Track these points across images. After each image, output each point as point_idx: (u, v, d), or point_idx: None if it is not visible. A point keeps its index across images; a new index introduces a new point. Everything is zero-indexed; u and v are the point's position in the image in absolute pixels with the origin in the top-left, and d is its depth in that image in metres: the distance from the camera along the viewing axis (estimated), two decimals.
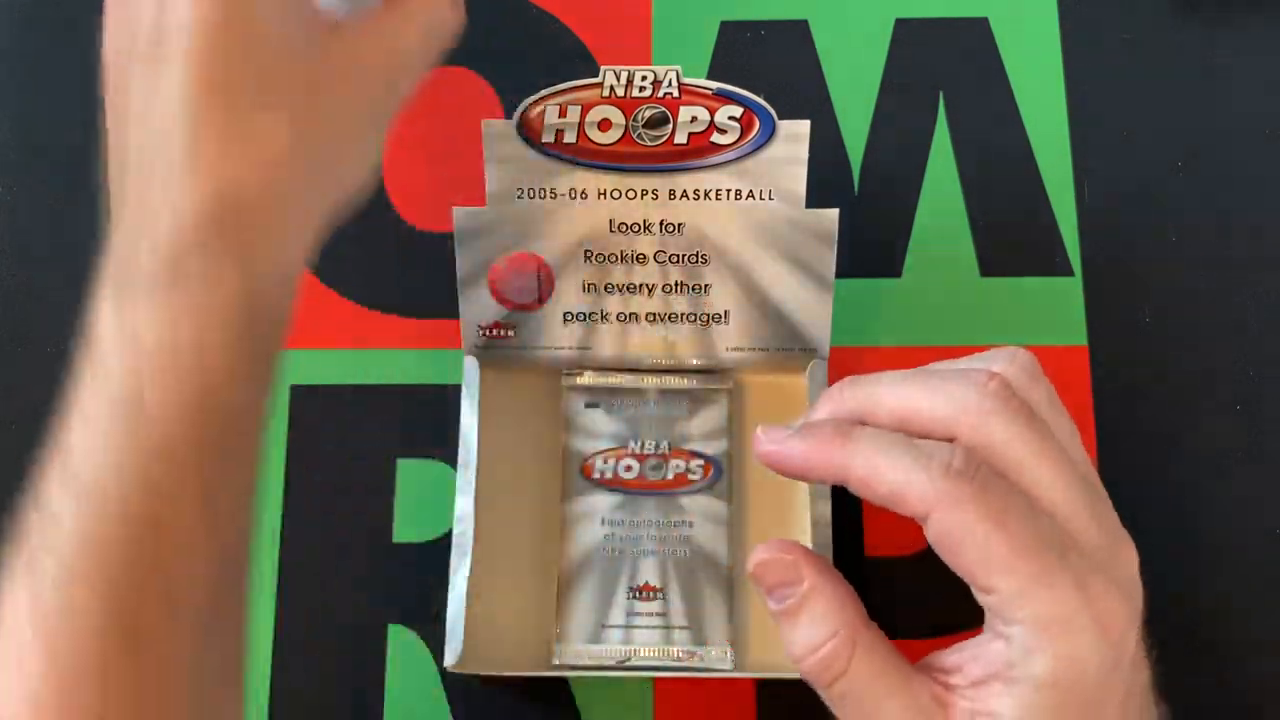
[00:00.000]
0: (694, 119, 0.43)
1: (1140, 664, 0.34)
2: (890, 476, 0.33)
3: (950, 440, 0.34)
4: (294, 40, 0.34)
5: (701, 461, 0.48)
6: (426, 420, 0.51)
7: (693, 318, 0.47)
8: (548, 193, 0.44)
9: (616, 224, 0.45)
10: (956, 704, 0.34)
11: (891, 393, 0.36)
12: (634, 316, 0.47)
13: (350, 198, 0.37)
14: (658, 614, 0.46)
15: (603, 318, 0.48)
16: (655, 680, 0.48)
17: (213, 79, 0.33)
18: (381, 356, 0.52)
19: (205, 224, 0.32)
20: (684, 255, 0.46)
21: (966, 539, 0.32)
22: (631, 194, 0.44)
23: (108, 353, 0.31)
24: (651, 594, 0.46)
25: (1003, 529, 0.32)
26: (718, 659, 0.45)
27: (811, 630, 0.35)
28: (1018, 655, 0.32)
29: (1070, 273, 0.52)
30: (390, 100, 0.38)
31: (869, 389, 0.36)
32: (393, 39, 0.37)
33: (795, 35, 0.55)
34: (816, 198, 0.44)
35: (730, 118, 0.43)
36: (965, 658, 0.34)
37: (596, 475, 0.48)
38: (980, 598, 0.33)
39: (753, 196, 0.44)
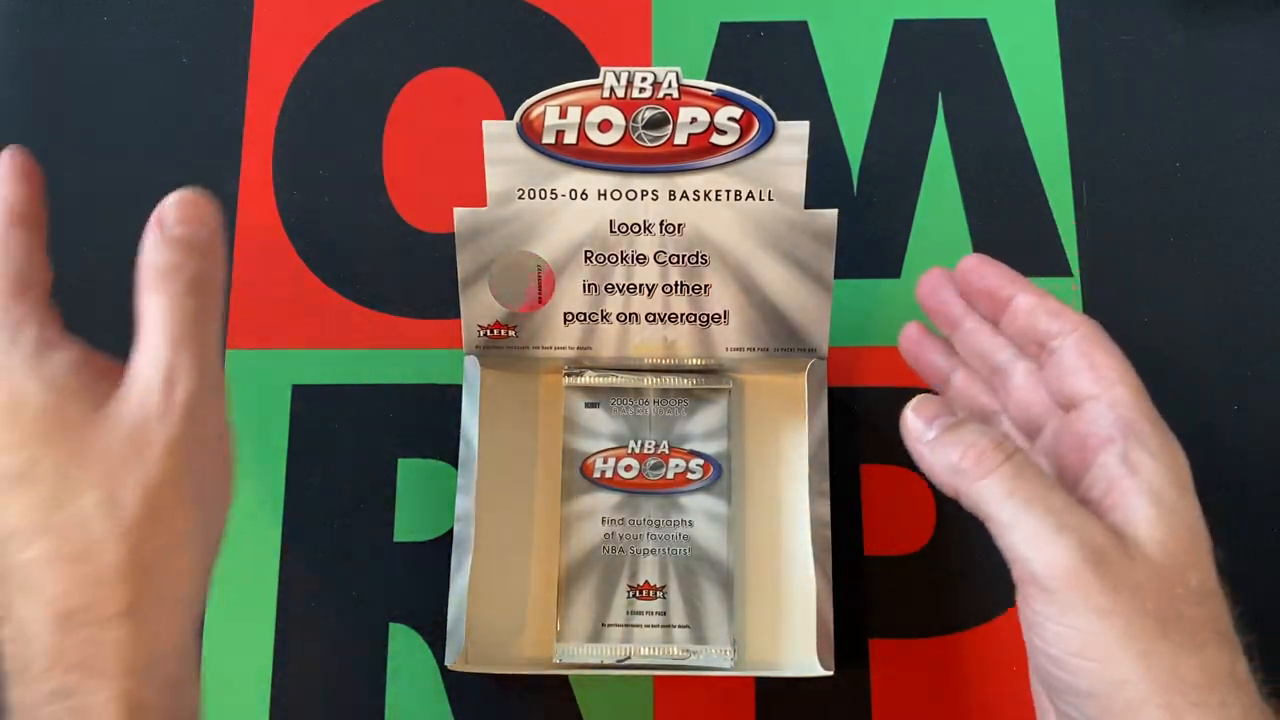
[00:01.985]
0: (694, 120, 0.43)
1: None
2: None
3: None
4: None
5: (701, 461, 0.48)
6: (426, 420, 0.51)
7: (693, 318, 0.48)
8: (548, 193, 0.45)
9: (616, 224, 0.45)
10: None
11: None
12: (634, 316, 0.48)
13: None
14: (658, 613, 0.46)
15: (603, 318, 0.48)
16: (655, 679, 0.48)
17: None
18: (381, 356, 0.52)
19: None
20: (684, 255, 0.46)
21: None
22: (631, 194, 0.44)
23: None
24: (651, 593, 0.46)
25: None
26: (718, 658, 0.46)
27: (972, 435, 0.36)
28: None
29: (1069, 273, 0.52)
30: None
31: None
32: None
33: (795, 35, 0.55)
34: (816, 198, 0.44)
35: (730, 119, 0.43)
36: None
37: (596, 475, 0.48)
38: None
39: (752, 197, 0.44)
